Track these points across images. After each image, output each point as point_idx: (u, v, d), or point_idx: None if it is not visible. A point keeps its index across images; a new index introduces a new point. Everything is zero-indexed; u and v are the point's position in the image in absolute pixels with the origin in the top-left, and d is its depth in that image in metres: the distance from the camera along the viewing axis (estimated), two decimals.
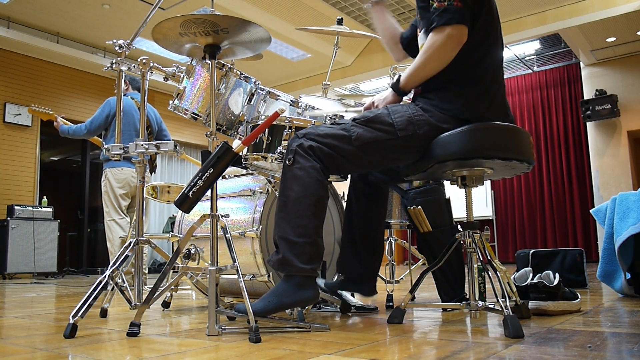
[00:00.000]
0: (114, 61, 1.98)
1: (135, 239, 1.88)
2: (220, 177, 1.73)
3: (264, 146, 1.86)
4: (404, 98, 1.90)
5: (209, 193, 1.59)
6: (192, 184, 1.51)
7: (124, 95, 4.02)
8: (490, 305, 1.59)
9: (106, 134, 3.85)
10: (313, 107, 2.01)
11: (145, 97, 2.02)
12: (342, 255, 2.03)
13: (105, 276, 1.71)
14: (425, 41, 1.66)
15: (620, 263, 2.43)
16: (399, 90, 1.72)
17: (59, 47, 7.08)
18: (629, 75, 7.47)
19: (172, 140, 4.14)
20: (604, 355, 1.14)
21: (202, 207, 2.09)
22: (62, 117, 3.94)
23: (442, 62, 1.62)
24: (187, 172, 9.13)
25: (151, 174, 4.04)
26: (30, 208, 6.32)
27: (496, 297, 1.52)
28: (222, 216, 1.65)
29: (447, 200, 2.24)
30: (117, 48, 1.98)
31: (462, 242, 1.70)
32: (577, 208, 8.13)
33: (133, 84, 4.05)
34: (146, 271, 4.03)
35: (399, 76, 1.72)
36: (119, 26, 6.86)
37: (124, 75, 2.02)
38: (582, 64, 7.85)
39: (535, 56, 8.19)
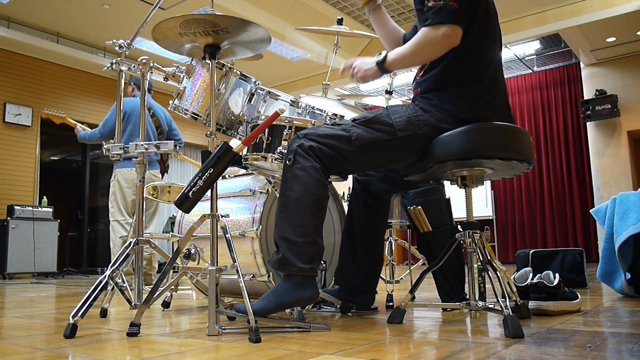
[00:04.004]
0: (114, 61, 1.98)
1: (135, 239, 1.88)
2: (220, 177, 1.73)
3: (264, 146, 1.86)
4: (403, 98, 1.90)
5: (209, 193, 1.59)
6: (192, 184, 1.51)
7: (133, 96, 4.04)
8: (490, 305, 1.59)
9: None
10: (313, 108, 2.01)
11: (146, 97, 2.02)
12: (342, 263, 2.03)
13: (105, 276, 1.71)
14: None
15: (620, 263, 2.43)
16: (383, 68, 1.72)
17: (59, 47, 7.08)
18: (629, 75, 7.47)
19: (181, 139, 4.17)
20: (604, 355, 1.14)
21: (202, 207, 2.09)
22: (80, 124, 4.01)
23: (431, 57, 1.66)
24: (187, 172, 9.13)
25: (162, 176, 4.05)
26: (30, 208, 6.32)
27: (496, 297, 1.52)
28: (222, 216, 1.64)
29: (447, 200, 2.24)
30: (117, 48, 1.98)
31: (462, 242, 1.70)
32: (577, 208, 8.13)
33: (139, 85, 4.06)
34: (155, 269, 4.03)
35: (386, 54, 1.71)
36: (119, 26, 6.86)
37: (123, 75, 2.02)
38: (582, 64, 7.85)
39: (535, 56, 8.19)
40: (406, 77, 8.07)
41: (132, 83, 4.10)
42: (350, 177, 2.06)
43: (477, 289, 1.67)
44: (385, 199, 2.05)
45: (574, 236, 8.13)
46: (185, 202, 1.52)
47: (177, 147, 1.85)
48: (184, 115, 1.95)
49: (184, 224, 2.34)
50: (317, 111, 2.01)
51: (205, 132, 1.73)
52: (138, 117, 3.83)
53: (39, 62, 7.28)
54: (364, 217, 2.02)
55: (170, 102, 1.99)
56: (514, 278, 2.01)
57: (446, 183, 2.06)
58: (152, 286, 1.63)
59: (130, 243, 1.85)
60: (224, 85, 1.95)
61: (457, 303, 1.80)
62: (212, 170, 1.51)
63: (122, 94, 2.05)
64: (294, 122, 1.85)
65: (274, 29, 6.68)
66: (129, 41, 1.99)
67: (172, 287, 2.02)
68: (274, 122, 1.74)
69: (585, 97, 7.66)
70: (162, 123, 4.00)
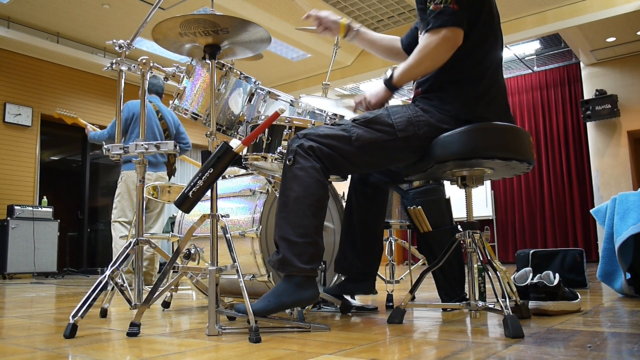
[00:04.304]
0: (114, 61, 1.98)
1: (135, 239, 1.88)
2: (220, 177, 1.73)
3: (264, 146, 1.86)
4: (403, 98, 1.90)
5: (209, 193, 1.59)
6: (192, 184, 1.51)
7: None
8: (490, 305, 1.59)
9: (125, 137, 3.86)
10: (313, 107, 2.01)
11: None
12: (342, 253, 2.03)
13: (105, 276, 1.71)
14: None
15: (620, 263, 2.43)
16: (391, 86, 1.73)
17: (59, 47, 7.08)
18: (629, 75, 7.47)
19: (189, 142, 4.17)
20: (604, 355, 1.14)
21: (202, 207, 2.09)
22: (90, 124, 4.02)
23: (435, 63, 1.63)
24: (188, 172, 9.13)
25: (170, 178, 4.05)
26: (30, 208, 6.32)
27: (496, 297, 1.52)
28: (222, 216, 1.64)
29: (447, 200, 2.24)
30: (117, 48, 1.98)
31: (462, 242, 1.70)
32: (577, 208, 8.13)
33: (150, 88, 4.06)
34: (157, 269, 4.02)
35: (392, 72, 1.72)
36: (119, 26, 6.86)
37: (123, 75, 2.02)
38: (582, 64, 7.85)
39: (535, 56, 8.19)
40: None
41: None
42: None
43: (477, 289, 1.67)
44: (383, 189, 2.06)
45: (574, 236, 8.13)
46: (185, 202, 1.52)
47: (177, 147, 1.85)
48: (184, 115, 1.95)
49: (184, 224, 2.34)
50: (317, 111, 2.01)
51: (205, 132, 1.73)
52: (146, 120, 3.83)
53: (39, 62, 7.28)
54: (362, 206, 2.02)
55: (170, 102, 1.99)
56: (514, 278, 2.01)
57: (446, 183, 2.06)
58: (152, 286, 1.63)
59: (130, 243, 1.85)
60: (224, 85, 1.95)
61: (457, 303, 1.79)
62: (212, 170, 1.51)
63: (123, 94, 2.05)
64: (294, 122, 1.85)
65: (274, 29, 6.69)
66: (129, 41, 1.99)
67: (172, 287, 2.02)
68: (274, 122, 1.74)
69: (585, 97, 7.66)
70: (170, 126, 4.01)
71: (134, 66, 2.00)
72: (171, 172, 4.09)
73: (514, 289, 1.76)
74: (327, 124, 1.79)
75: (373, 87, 1.81)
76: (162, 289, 1.79)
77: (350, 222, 2.03)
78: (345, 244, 2.03)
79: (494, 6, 1.73)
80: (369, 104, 1.80)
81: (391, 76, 1.72)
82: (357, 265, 2.00)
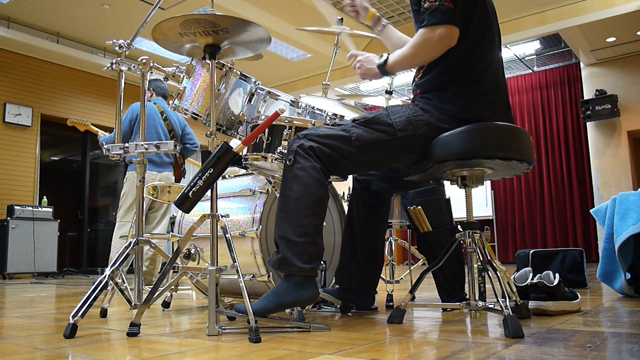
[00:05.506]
0: (114, 61, 1.98)
1: (135, 239, 1.88)
2: (220, 177, 1.73)
3: (264, 146, 1.86)
4: (404, 99, 1.90)
5: (209, 193, 1.59)
6: (192, 184, 1.51)
7: (148, 101, 4.03)
8: (490, 305, 1.59)
9: (131, 138, 3.86)
10: (313, 108, 2.01)
11: (146, 97, 2.02)
12: (342, 263, 2.03)
13: (105, 276, 1.71)
14: None
15: (620, 263, 2.43)
16: (384, 70, 1.76)
17: (59, 47, 7.08)
18: (629, 75, 7.47)
19: (197, 143, 4.17)
20: (604, 355, 1.14)
21: (202, 207, 2.09)
22: (101, 130, 4.03)
23: (428, 59, 1.67)
24: (187, 172, 9.13)
25: (179, 180, 4.04)
26: (30, 208, 6.32)
27: (496, 297, 1.52)
28: (222, 216, 1.64)
29: (447, 200, 2.24)
30: (117, 48, 1.98)
31: (462, 242, 1.70)
32: (577, 208, 8.13)
33: (157, 91, 4.06)
34: (158, 269, 4.01)
35: (387, 57, 1.74)
36: (119, 26, 6.86)
37: (123, 75, 2.02)
38: (582, 64, 7.85)
39: (535, 56, 8.19)
40: (406, 77, 8.07)
41: (150, 88, 4.08)
42: (350, 177, 2.06)
43: (477, 289, 1.67)
44: (385, 198, 2.05)
45: (574, 236, 8.12)
46: (185, 202, 1.52)
47: (177, 147, 1.85)
48: (184, 115, 1.95)
49: (184, 224, 2.34)
50: (317, 111, 2.01)
51: (205, 132, 1.73)
52: (150, 120, 3.84)
53: (39, 62, 7.28)
54: (364, 216, 2.02)
55: (170, 102, 1.99)
56: (514, 278, 2.01)
57: (446, 183, 2.06)
58: (152, 286, 1.63)
59: (130, 243, 1.85)
60: (224, 85, 1.95)
61: (457, 303, 1.80)
62: (212, 170, 1.51)
63: (123, 94, 2.05)
64: (294, 122, 1.85)
65: (274, 29, 6.69)
66: (129, 41, 1.99)
67: (172, 287, 2.02)
68: (274, 122, 1.75)
69: (585, 97, 7.66)
70: (175, 127, 4.00)
71: (134, 66, 2.00)
72: (180, 175, 4.07)
73: (514, 289, 1.76)
74: (327, 124, 1.80)
75: (370, 57, 1.82)
76: (162, 289, 1.79)
77: (351, 232, 2.03)
78: (345, 253, 2.03)
79: (488, 4, 1.72)
80: (357, 67, 1.84)
81: (385, 62, 1.74)
82: (357, 276, 2.00)
